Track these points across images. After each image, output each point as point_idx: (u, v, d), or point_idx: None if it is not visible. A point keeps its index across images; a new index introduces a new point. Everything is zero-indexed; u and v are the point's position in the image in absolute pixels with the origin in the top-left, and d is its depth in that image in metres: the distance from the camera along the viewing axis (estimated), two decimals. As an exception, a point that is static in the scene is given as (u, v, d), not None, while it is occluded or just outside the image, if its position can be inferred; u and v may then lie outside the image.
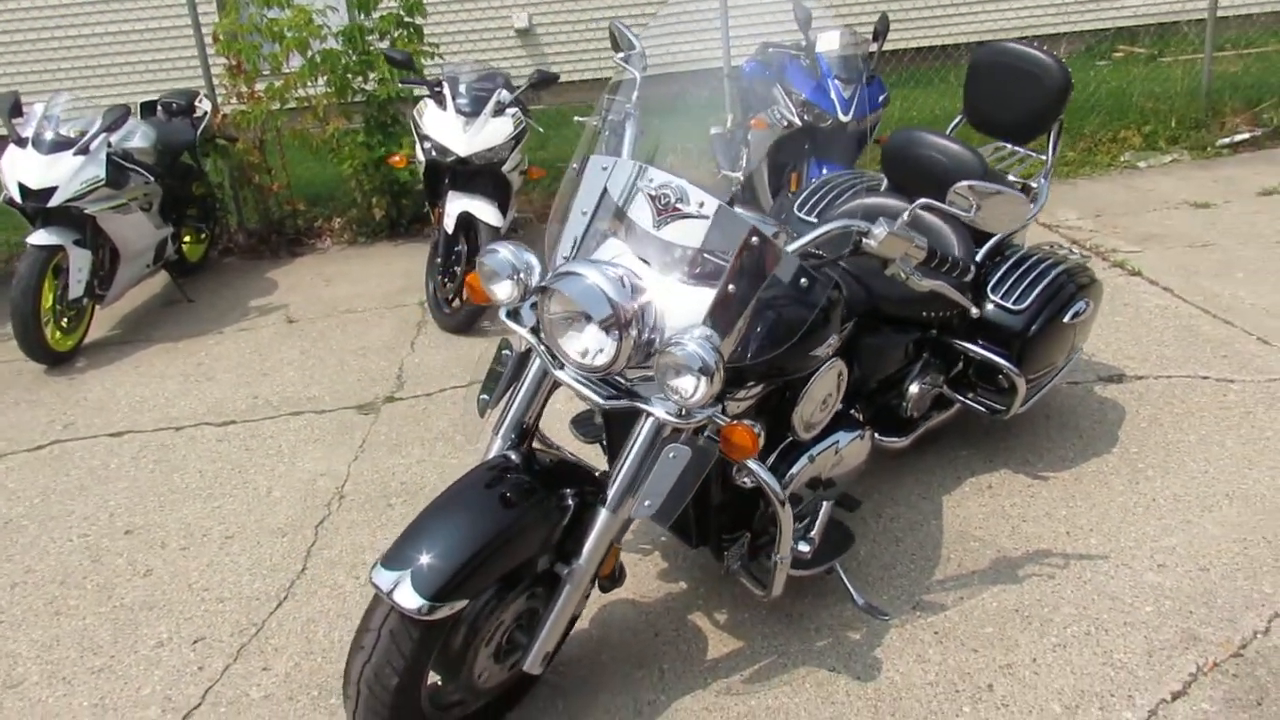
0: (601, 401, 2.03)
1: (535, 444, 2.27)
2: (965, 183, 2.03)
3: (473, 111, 4.65)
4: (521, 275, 2.09)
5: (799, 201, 3.25)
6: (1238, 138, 6.48)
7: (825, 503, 2.40)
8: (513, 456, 2.15)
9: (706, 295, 1.99)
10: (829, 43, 4.64)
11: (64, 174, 4.46)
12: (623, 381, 2.07)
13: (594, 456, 2.58)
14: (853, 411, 2.62)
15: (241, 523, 3.26)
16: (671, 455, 2.01)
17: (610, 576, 2.32)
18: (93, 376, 4.50)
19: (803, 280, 2.02)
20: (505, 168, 4.72)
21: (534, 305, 2.17)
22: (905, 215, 2.03)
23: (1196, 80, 6.69)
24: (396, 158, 5.30)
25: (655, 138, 2.46)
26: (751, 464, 2.13)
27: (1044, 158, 3.26)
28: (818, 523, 2.36)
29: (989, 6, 7.46)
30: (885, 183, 3.16)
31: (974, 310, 2.85)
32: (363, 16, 5.94)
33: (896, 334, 2.83)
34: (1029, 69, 3.07)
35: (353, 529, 3.18)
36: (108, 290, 4.84)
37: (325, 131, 6.11)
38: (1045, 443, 3.31)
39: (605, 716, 2.33)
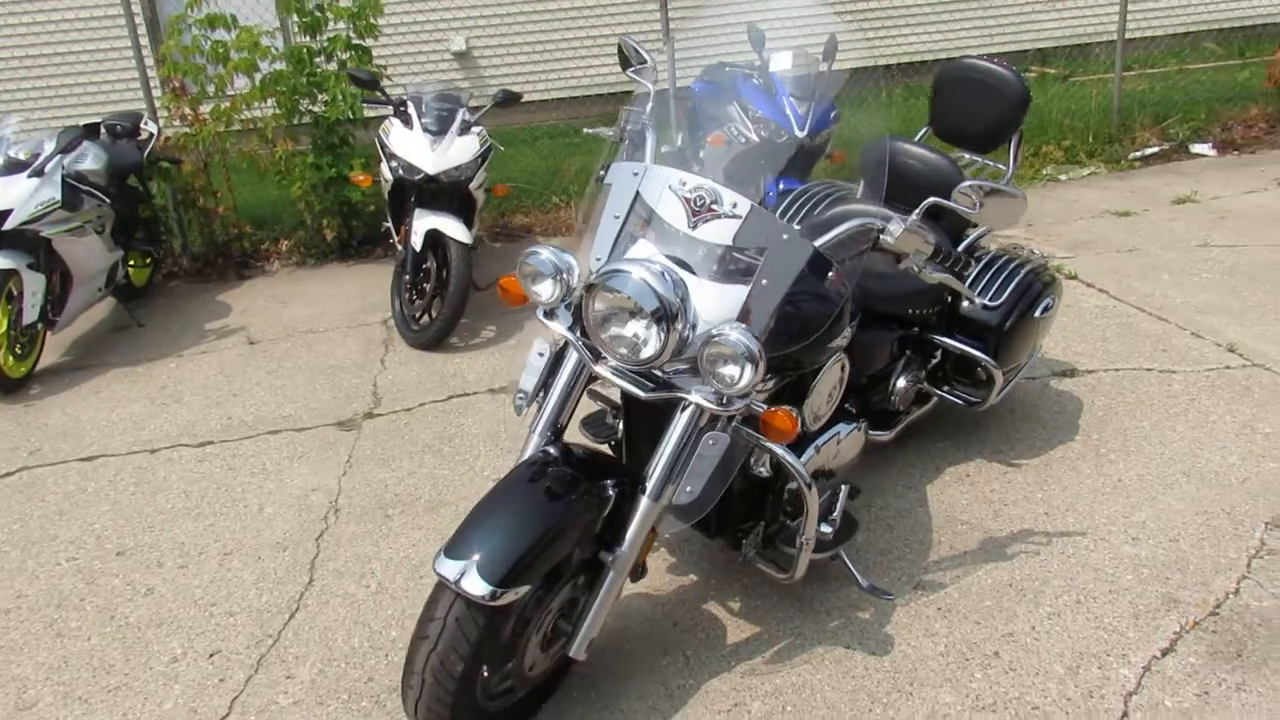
0: (643, 393, 2.13)
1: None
2: (968, 183, 2.21)
3: (439, 130, 4.71)
4: (564, 275, 2.18)
5: (778, 212, 3.41)
6: (1148, 151, 6.93)
7: (844, 486, 2.54)
8: (552, 451, 2.23)
9: (739, 291, 2.12)
10: (782, 62, 4.84)
11: (19, 196, 4.37)
12: (659, 374, 2.18)
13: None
14: (847, 405, 2.77)
15: (238, 539, 3.25)
16: (711, 443, 2.13)
17: (639, 566, 2.41)
18: (52, 403, 4.39)
19: (832, 275, 2.17)
20: (472, 185, 4.79)
21: (568, 306, 2.28)
22: (917, 212, 2.20)
23: (1108, 98, 7.14)
24: (361, 177, 5.31)
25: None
26: (779, 450, 2.25)
27: (1003, 167, 3.49)
28: (838, 505, 2.50)
29: (918, 30, 7.86)
30: (860, 190, 3.35)
31: (977, 300, 3.05)
32: (308, 38, 5.95)
33: (885, 331, 3.00)
34: (991, 83, 3.29)
35: (354, 540, 3.20)
36: (59, 315, 4.74)
37: (274, 153, 6.08)
38: (1013, 433, 3.52)
39: (639, 702, 2.42)
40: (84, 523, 3.40)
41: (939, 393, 3.29)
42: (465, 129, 4.78)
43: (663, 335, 2.02)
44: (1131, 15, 7.02)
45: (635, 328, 2.08)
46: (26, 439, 4.05)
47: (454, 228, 4.62)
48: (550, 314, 2.27)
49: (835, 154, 4.99)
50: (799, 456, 2.50)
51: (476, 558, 1.95)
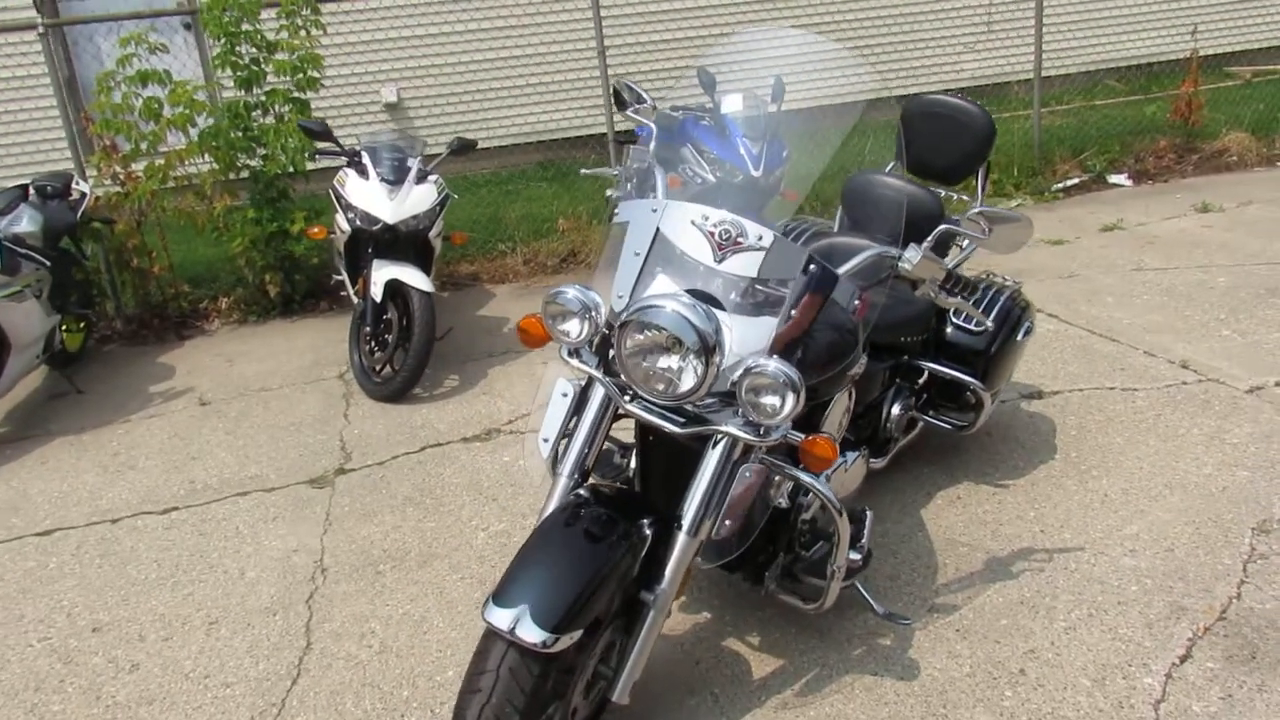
0: (677, 429, 2.12)
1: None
2: (976, 210, 2.28)
3: (396, 180, 4.65)
4: (593, 313, 2.16)
5: None
6: (1069, 182, 7.25)
7: (868, 512, 2.55)
8: (583, 493, 2.19)
9: (766, 323, 2.13)
10: (733, 104, 4.93)
11: (-45, 261, 4.16)
12: (689, 409, 2.16)
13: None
14: (847, 435, 2.80)
15: (222, 606, 3.10)
16: (747, 474, 2.12)
17: (668, 606, 2.37)
18: (-6, 476, 4.16)
19: (857, 303, 2.20)
20: (430, 234, 4.74)
21: (590, 345, 2.25)
22: (930, 239, 2.25)
23: (1029, 134, 7.46)
24: (315, 229, 5.20)
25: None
26: (808, 479, 2.25)
27: (967, 199, 3.61)
28: (865, 532, 2.51)
29: (845, 72, 8.11)
30: (838, 224, 3.42)
31: (987, 323, 3.13)
32: (243, 92, 5.85)
33: (878, 360, 3.04)
34: (959, 118, 3.41)
35: (348, 600, 3.08)
36: (-4, 384, 4.50)
37: (211, 209, 5.93)
38: (995, 455, 3.60)
39: (676, 745, 2.37)
40: (51, 600, 3.20)
41: (925, 418, 3.35)
42: (422, 177, 4.74)
43: (700, 368, 2.01)
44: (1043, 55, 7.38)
45: (669, 363, 2.06)
46: (-29, 515, 3.82)
47: (415, 277, 4.55)
48: (573, 354, 2.25)
49: (787, 192, 5.08)
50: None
51: (528, 605, 1.89)
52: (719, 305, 2.13)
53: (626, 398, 2.18)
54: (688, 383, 2.03)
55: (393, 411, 4.51)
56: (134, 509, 3.79)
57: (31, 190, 5.42)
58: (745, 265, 2.14)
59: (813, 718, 2.42)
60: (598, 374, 2.20)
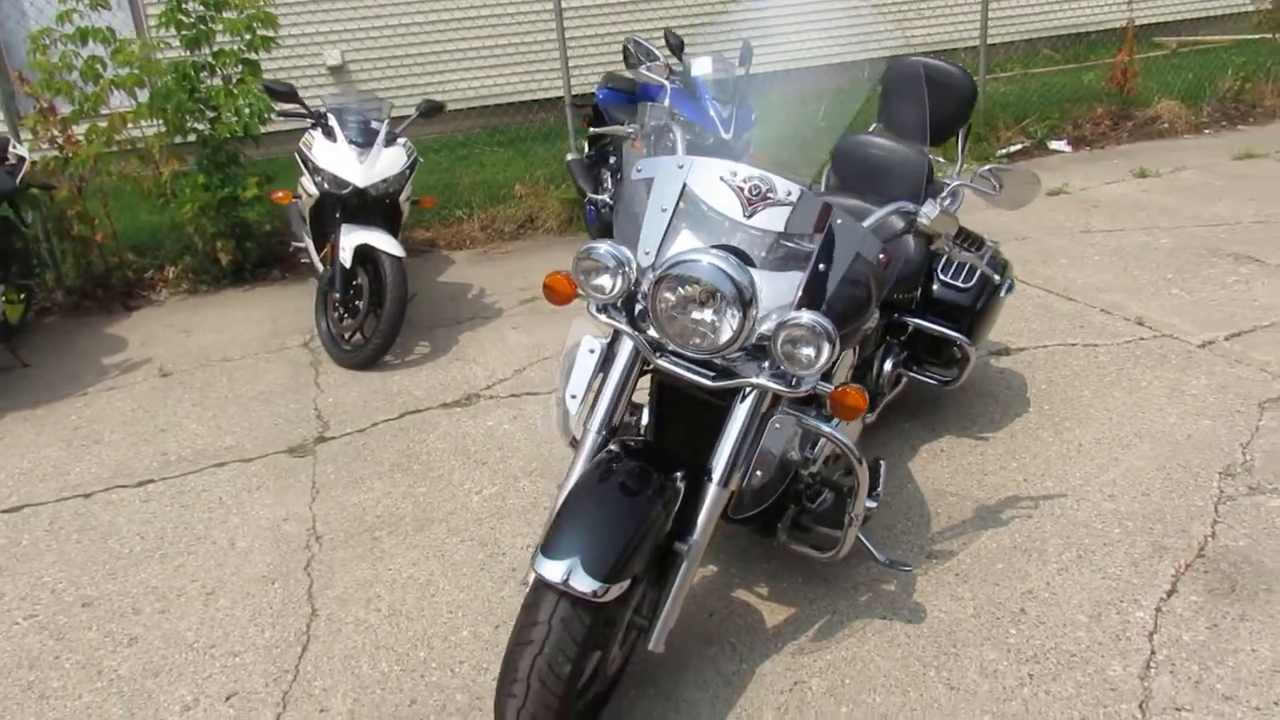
0: (709, 383, 2.15)
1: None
2: (987, 167, 2.35)
3: (365, 143, 4.56)
4: (626, 269, 2.17)
5: None
6: (1013, 148, 7.45)
7: (882, 461, 2.62)
8: (614, 448, 2.22)
9: (792, 277, 2.17)
10: (703, 67, 4.94)
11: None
12: (718, 363, 2.20)
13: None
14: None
15: (217, 577, 3.05)
16: (778, 425, 2.17)
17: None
18: (-52, 453, 4.00)
19: (881, 256, 2.25)
20: (401, 197, 4.67)
21: (618, 303, 2.27)
22: (945, 194, 2.31)
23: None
24: (280, 194, 5.06)
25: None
26: (827, 428, 2.31)
27: (942, 160, 3.70)
28: (880, 480, 2.58)
29: (792, 38, 8.18)
30: (824, 184, 3.47)
31: (996, 278, 3.22)
32: (189, 53, 5.65)
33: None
34: (940, 79, 3.48)
35: (348, 566, 3.06)
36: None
37: (159, 175, 5.74)
38: (972, 410, 3.72)
39: (700, 691, 2.42)
40: (31, 577, 3.11)
41: (911, 374, 3.44)
42: (391, 140, 4.66)
43: (738, 319, 2.05)
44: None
45: (703, 315, 2.09)
46: (-70, 494, 3.67)
47: (386, 242, 4.49)
48: (601, 310, 2.26)
49: (756, 154, 5.12)
50: (819, 440, 2.57)
51: (578, 556, 1.92)
52: (748, 260, 2.16)
53: (657, 354, 2.20)
54: (725, 334, 2.07)
55: (365, 379, 4.45)
56: (106, 483, 3.69)
57: (-34, 155, 5.18)
58: (772, 220, 2.17)
59: (830, 661, 2.50)
60: (629, 329, 2.21)
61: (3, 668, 2.69)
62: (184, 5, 5.48)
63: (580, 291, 2.26)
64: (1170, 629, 2.52)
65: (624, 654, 2.26)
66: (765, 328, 2.12)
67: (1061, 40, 9.93)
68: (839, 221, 2.16)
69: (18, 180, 5.18)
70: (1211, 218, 5.72)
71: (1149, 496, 3.09)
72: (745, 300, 2.03)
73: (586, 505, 2.05)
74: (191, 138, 5.77)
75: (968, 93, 3.45)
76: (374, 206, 4.60)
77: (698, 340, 2.10)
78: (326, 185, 4.52)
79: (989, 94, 7.83)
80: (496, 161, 7.60)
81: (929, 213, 2.27)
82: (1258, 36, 9.06)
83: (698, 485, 2.20)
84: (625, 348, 2.26)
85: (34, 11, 7.42)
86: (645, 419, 2.52)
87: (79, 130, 5.61)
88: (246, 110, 5.55)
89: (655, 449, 2.41)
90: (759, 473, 2.15)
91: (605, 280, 2.19)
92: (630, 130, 2.67)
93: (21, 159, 5.33)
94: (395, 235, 4.65)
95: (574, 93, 6.70)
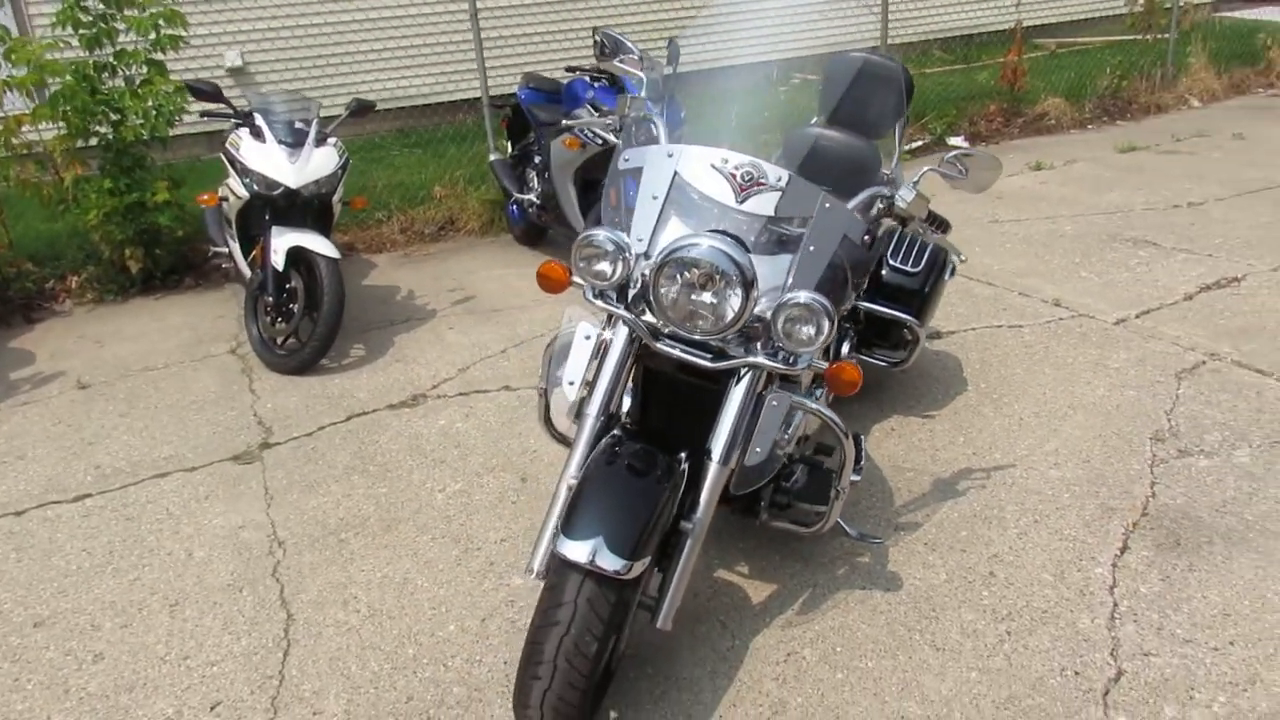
0: (708, 364, 2.20)
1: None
2: (953, 153, 2.48)
3: (295, 143, 4.45)
4: (625, 255, 2.20)
5: None
6: (914, 145, 7.74)
7: (863, 436, 2.72)
8: (616, 432, 2.25)
9: (783, 260, 2.25)
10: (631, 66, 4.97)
11: None
12: (714, 344, 2.25)
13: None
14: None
15: (178, 588, 2.94)
16: (774, 403, 2.24)
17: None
18: None
19: (866, 238, 2.34)
20: (334, 198, 4.57)
21: (614, 290, 2.29)
22: (919, 178, 2.42)
23: (875, 99, 7.90)
24: (206, 196, 4.88)
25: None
26: (813, 404, 2.39)
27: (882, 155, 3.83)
28: (863, 454, 2.67)
29: (714, 39, 8.35)
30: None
31: (961, 258, 3.37)
32: (88, 52, 5.40)
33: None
34: (878, 73, 3.62)
35: (318, 569, 2.99)
36: None
37: (60, 180, 5.47)
38: (915, 390, 3.87)
39: (697, 669, 2.47)
40: (-28, 598, 2.94)
41: (861, 356, 3.57)
42: (321, 140, 4.55)
43: (740, 300, 2.10)
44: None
45: (704, 298, 2.14)
46: None
47: (320, 243, 4.39)
48: (599, 296, 2.28)
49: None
50: (795, 420, 2.66)
51: (601, 536, 1.94)
52: (741, 244, 2.22)
53: (655, 337, 2.24)
54: (729, 315, 2.12)
55: (303, 384, 4.35)
56: (38, 499, 3.51)
57: None
58: (763, 205, 2.24)
59: (818, 631, 2.58)
60: (627, 315, 2.24)
61: (-44, 695, 2.55)
62: (82, 3, 5.24)
63: (577, 279, 2.28)
64: (1128, 582, 2.69)
65: (631, 635, 2.29)
66: (759, 309, 2.18)
67: (951, 42, 10.38)
68: (827, 205, 2.24)
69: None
70: (1107, 206, 6.08)
71: (1090, 463, 3.28)
72: (747, 280, 2.09)
73: (602, 487, 2.07)
74: (94, 141, 5.52)
75: (905, 84, 3.60)
76: (305, 208, 4.50)
77: (700, 322, 2.15)
78: (257, 187, 4.39)
79: (891, 93, 8.12)
80: (410, 164, 7.48)
81: (906, 196, 2.38)
82: (1130, 38, 9.64)
83: (696, 467, 2.25)
84: (621, 334, 2.29)
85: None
86: (627, 405, 2.55)
87: (-32, 134, 5.30)
88: (154, 112, 5.34)
89: (659, 432, 2.44)
90: (758, 449, 2.21)
91: (605, 266, 2.22)
92: (609, 123, 2.69)
93: (-91, 164, 5.01)
94: (328, 236, 4.55)
95: (491, 94, 6.67)
